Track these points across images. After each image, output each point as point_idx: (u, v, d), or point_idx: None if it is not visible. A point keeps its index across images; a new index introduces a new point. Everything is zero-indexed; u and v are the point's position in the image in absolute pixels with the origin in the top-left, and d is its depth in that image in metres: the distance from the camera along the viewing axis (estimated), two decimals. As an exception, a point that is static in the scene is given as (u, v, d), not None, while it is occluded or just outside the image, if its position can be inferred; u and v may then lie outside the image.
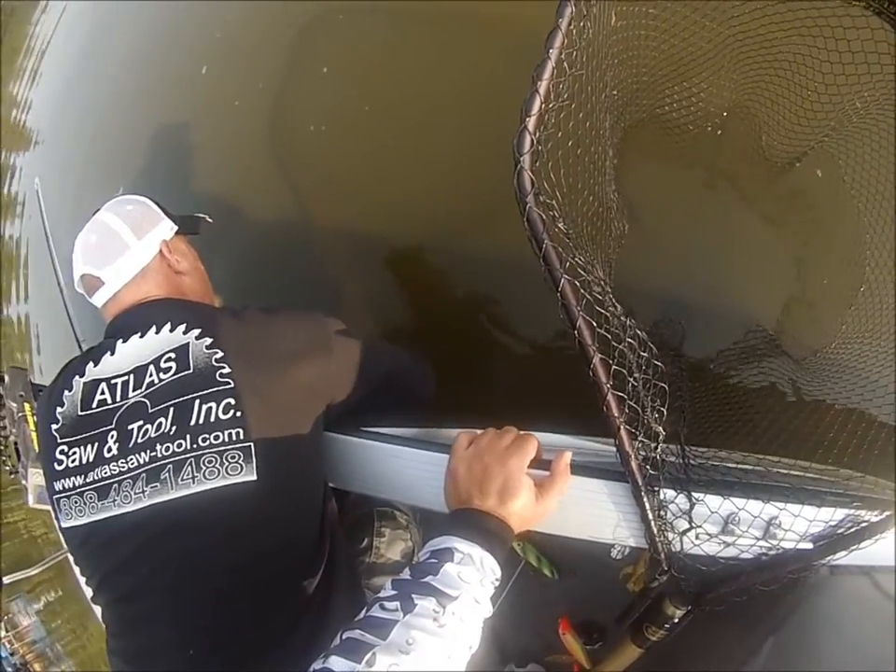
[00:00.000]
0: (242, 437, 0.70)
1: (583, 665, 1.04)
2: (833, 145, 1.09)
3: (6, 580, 1.21)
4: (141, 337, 0.78)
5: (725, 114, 1.20)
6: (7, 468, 1.05)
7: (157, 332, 0.78)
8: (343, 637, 0.50)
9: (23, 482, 1.00)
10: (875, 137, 0.99)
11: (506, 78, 1.38)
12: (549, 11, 0.52)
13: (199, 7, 2.13)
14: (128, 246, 0.87)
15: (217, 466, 0.69)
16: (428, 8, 1.58)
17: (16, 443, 1.05)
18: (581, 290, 0.58)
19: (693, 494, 0.67)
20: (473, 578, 0.55)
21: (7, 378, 1.05)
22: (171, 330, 0.77)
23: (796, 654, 0.77)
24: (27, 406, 1.05)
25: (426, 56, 1.62)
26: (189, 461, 0.69)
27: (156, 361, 0.76)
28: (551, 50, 0.53)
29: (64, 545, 0.79)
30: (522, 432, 0.68)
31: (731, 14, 0.93)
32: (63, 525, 0.76)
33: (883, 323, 0.97)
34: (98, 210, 0.92)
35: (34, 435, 1.04)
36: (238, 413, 0.71)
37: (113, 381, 0.77)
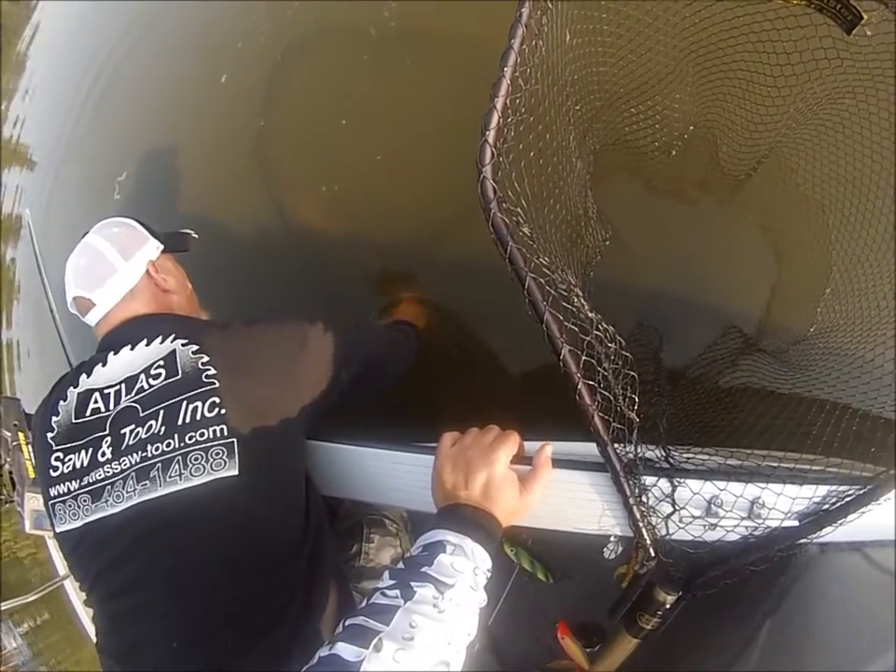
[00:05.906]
0: (225, 433, 0.73)
1: (584, 669, 1.03)
2: (790, 145, 1.14)
3: (4, 605, 1.20)
4: (132, 349, 0.82)
5: (692, 127, 1.25)
6: (2, 496, 1.06)
7: (147, 345, 0.82)
8: (347, 623, 0.51)
9: (19, 509, 1.01)
10: (830, 133, 1.03)
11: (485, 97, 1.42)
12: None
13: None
14: (116, 269, 0.91)
15: (202, 462, 0.72)
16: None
17: (11, 472, 1.05)
18: (547, 288, 0.61)
19: (674, 478, 0.69)
20: (466, 567, 0.56)
21: (0, 408, 1.07)
22: (161, 342, 0.81)
23: (793, 636, 0.77)
24: (21, 435, 1.06)
25: (419, 79, 1.66)
26: (176, 459, 0.72)
27: (146, 370, 0.79)
28: (505, 68, 0.57)
29: (58, 553, 0.80)
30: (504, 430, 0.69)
31: (682, 27, 0.98)
32: (59, 530, 0.78)
33: (849, 310, 1.01)
34: (87, 233, 0.95)
35: (28, 464, 1.05)
36: (222, 411, 0.74)
37: (106, 390, 0.80)
